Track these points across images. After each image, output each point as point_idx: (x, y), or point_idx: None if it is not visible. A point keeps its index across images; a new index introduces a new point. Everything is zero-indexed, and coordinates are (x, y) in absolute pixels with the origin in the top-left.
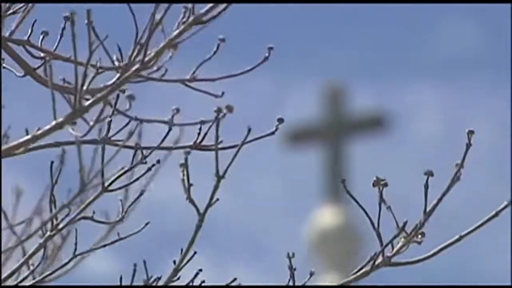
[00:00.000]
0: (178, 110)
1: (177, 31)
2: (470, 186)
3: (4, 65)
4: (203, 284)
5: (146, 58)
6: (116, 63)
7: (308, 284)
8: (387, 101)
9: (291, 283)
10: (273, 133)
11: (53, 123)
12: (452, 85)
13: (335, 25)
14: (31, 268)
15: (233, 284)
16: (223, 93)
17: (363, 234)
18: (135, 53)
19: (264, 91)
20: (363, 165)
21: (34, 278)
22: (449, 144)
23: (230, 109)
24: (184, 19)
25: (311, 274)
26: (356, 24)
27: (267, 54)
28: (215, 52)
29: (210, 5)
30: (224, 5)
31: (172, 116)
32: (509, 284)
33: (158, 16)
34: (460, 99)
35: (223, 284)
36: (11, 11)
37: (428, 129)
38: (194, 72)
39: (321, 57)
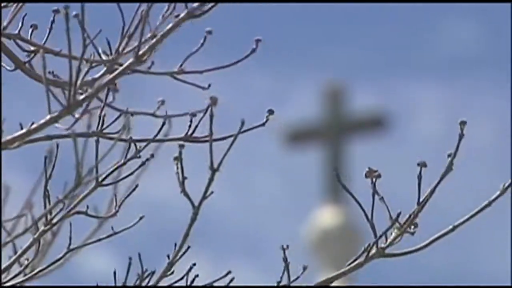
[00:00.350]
0: (163, 102)
1: (170, 25)
2: (471, 185)
3: None
4: (197, 279)
5: (140, 52)
6: (104, 57)
7: (306, 283)
8: (388, 101)
9: (285, 276)
10: (263, 124)
11: (48, 117)
12: (453, 85)
13: (335, 24)
14: (24, 264)
15: (228, 278)
16: (209, 85)
17: (363, 234)
18: (122, 46)
19: (263, 90)
20: (363, 165)
21: (25, 274)
22: (450, 143)
23: (214, 101)
24: (170, 12)
25: (304, 268)
26: (357, 23)
27: (254, 46)
28: (202, 45)
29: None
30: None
31: (158, 108)
32: (509, 284)
33: (146, 9)
34: (461, 99)
35: (223, 283)
36: (3, 4)
37: (429, 128)
38: (182, 65)
39: (321, 57)
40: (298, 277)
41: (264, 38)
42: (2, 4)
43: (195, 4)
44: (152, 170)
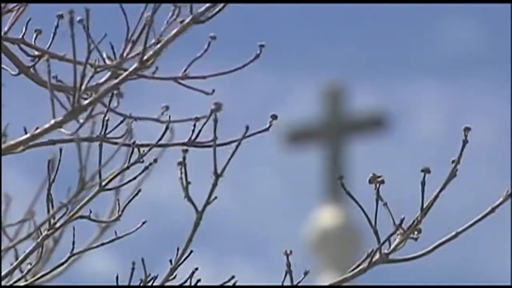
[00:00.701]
0: (167, 108)
1: (175, 30)
2: (471, 185)
3: None
4: (199, 284)
5: (145, 57)
6: (108, 62)
7: (307, 284)
8: (388, 101)
9: (288, 281)
10: (267, 129)
11: (52, 121)
12: (453, 85)
13: (335, 24)
14: (25, 269)
15: (231, 282)
16: (213, 91)
17: (363, 234)
18: (126, 51)
19: (263, 90)
20: (363, 165)
21: (26, 280)
22: (450, 143)
23: (218, 107)
24: (175, 17)
25: (306, 273)
26: (356, 23)
27: (258, 52)
28: (205, 50)
29: (208, 5)
30: (222, 4)
31: (162, 113)
32: (509, 284)
33: (151, 14)
34: (461, 99)
35: (223, 283)
36: (5, 9)
37: (429, 128)
38: (186, 70)
39: (321, 56)
40: (299, 282)
41: (264, 38)
42: (4, 9)
43: (200, 10)
44: (155, 174)
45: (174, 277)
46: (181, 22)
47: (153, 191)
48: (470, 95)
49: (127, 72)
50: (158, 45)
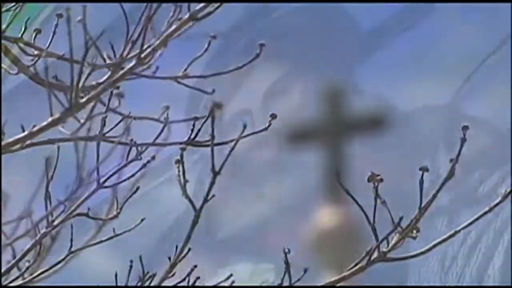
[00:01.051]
0: (167, 108)
1: (173, 27)
2: (471, 184)
3: None
4: (198, 282)
5: (143, 54)
6: (108, 61)
7: (307, 284)
8: (387, 101)
9: (286, 280)
10: (265, 129)
11: (50, 119)
12: (453, 85)
13: (334, 23)
14: (22, 267)
15: (228, 281)
16: (213, 90)
17: (363, 234)
18: (127, 51)
19: (263, 90)
20: (363, 165)
21: (24, 278)
22: (450, 143)
23: (218, 106)
24: (175, 17)
25: (305, 270)
26: (356, 22)
27: (258, 51)
28: (206, 49)
29: (204, 4)
30: (219, 3)
31: (162, 114)
32: (509, 284)
33: (150, 13)
34: (460, 98)
35: (222, 283)
36: (4, 9)
37: (429, 128)
38: (186, 69)
39: (320, 56)
40: (298, 280)
41: (263, 37)
42: (3, 10)
43: (198, 7)
44: (154, 173)
45: (173, 275)
46: (179, 19)
47: (153, 191)
48: (470, 95)
49: (124, 70)
50: (157, 42)
